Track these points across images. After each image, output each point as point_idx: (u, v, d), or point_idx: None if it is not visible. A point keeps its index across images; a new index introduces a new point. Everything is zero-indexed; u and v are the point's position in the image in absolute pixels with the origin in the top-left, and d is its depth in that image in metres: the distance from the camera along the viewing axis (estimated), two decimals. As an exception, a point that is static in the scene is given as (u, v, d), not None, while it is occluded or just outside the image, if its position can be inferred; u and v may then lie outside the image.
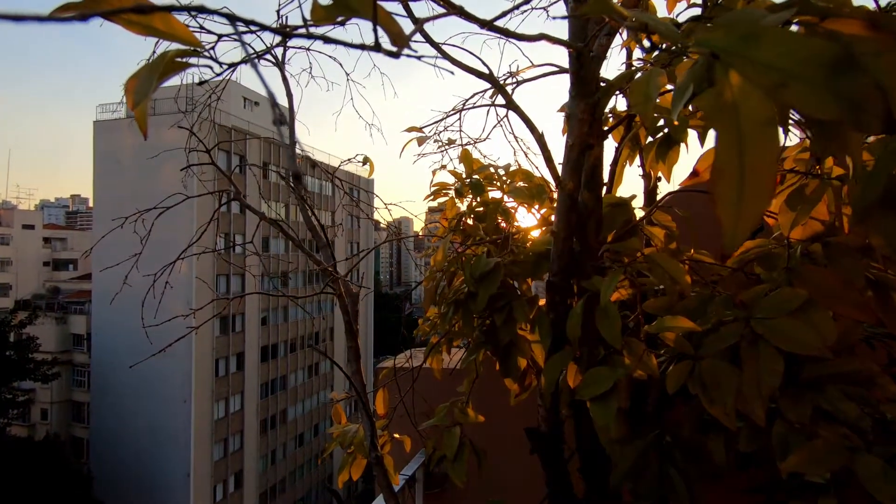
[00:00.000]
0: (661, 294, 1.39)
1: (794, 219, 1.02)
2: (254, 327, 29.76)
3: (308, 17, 0.47)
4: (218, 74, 0.50)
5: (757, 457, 1.19)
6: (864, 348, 1.32)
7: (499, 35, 0.81)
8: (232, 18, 0.31)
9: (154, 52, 1.96)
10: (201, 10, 0.31)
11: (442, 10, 0.71)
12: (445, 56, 1.30)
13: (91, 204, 32.96)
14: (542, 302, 1.59)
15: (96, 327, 28.67)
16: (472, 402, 1.75)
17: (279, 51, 1.76)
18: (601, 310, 1.10)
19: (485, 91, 2.12)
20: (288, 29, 0.36)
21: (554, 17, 1.08)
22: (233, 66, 0.52)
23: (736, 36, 0.36)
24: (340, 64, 2.09)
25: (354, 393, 1.54)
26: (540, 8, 1.62)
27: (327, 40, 0.38)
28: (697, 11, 1.69)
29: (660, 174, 1.89)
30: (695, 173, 1.15)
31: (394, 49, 0.47)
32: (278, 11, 1.16)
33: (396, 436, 1.78)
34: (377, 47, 0.45)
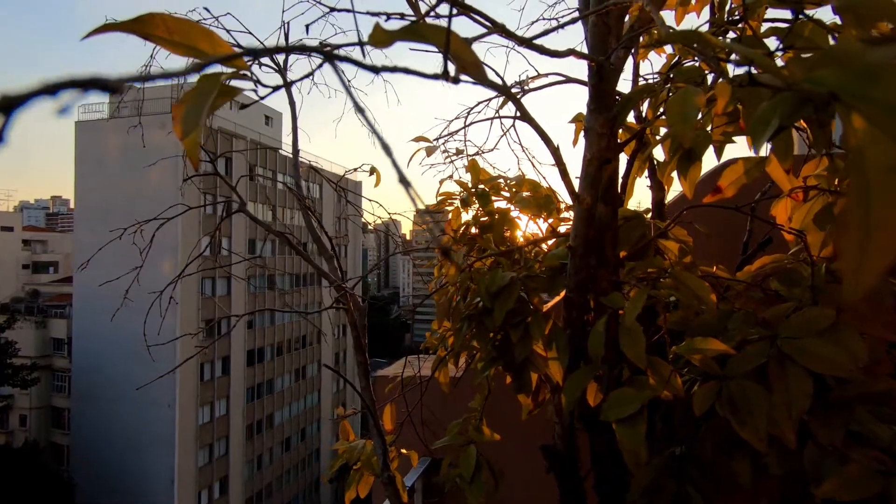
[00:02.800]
0: (673, 306, 1.38)
1: (823, 239, 1.02)
2: (240, 331, 29.41)
3: (367, 40, 0.44)
4: (262, 97, 0.46)
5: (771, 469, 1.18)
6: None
7: (528, 49, 0.78)
8: (329, 56, 0.28)
9: (152, 56, 1.91)
10: (302, 49, 0.28)
11: (483, 30, 0.69)
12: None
13: (72, 205, 32.34)
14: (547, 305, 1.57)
15: (77, 331, 28.11)
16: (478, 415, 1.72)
17: (280, 57, 1.72)
18: (625, 329, 1.08)
19: (489, 100, 2.10)
20: (374, 65, 0.33)
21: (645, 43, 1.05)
22: (276, 88, 0.49)
23: (853, 73, 0.34)
24: (342, 71, 2.05)
25: (364, 408, 1.51)
26: (552, 19, 1.60)
27: (408, 72, 0.35)
28: (699, 20, 1.69)
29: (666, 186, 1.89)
30: (717, 189, 1.13)
31: (452, 75, 0.44)
32: (307, 26, 1.12)
33: (404, 451, 1.74)
34: (445, 75, 0.43)
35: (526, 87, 1.86)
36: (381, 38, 0.44)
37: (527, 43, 0.72)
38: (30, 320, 31.13)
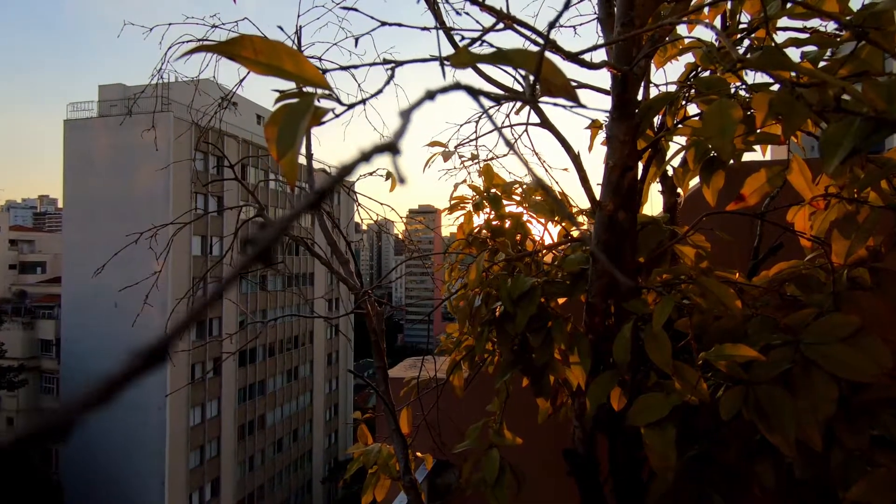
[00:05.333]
0: (688, 310, 1.40)
1: (849, 247, 1.04)
2: (232, 331, 29.20)
3: (449, 60, 0.45)
4: (337, 115, 0.47)
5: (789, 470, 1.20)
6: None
7: (571, 63, 0.80)
8: (471, 91, 0.29)
9: (165, 58, 1.90)
10: (458, 87, 0.29)
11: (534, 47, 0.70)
12: (482, 75, 1.29)
13: (60, 205, 31.95)
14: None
15: (66, 332, 27.79)
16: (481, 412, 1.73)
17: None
18: (651, 335, 1.10)
19: (500, 104, 2.12)
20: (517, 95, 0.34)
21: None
22: (351, 105, 0.50)
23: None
24: (353, 76, 2.06)
25: (383, 412, 1.51)
26: (569, 26, 1.62)
27: (509, 100, 0.36)
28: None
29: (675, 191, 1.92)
30: (740, 197, 1.16)
31: (532, 97, 0.45)
32: (356, 39, 1.12)
33: (419, 454, 1.75)
34: (533, 98, 0.44)
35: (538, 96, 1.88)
36: (465, 60, 0.45)
37: (572, 57, 0.73)
38: (17, 321, 30.71)
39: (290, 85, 0.64)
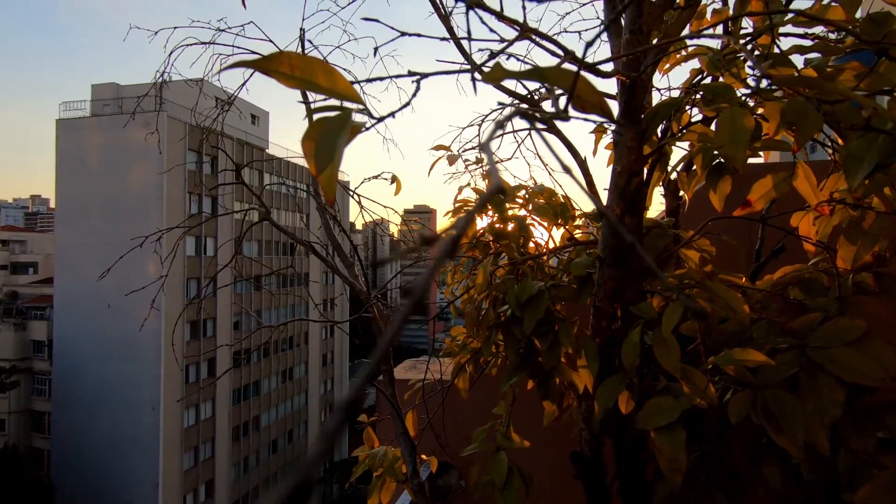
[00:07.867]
0: (692, 313, 1.41)
1: (856, 252, 1.06)
2: (226, 331, 29.10)
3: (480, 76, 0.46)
4: (367, 128, 0.47)
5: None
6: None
7: (589, 72, 0.81)
8: (524, 114, 0.30)
9: (169, 60, 1.90)
10: (526, 115, 0.30)
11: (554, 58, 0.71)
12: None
13: (53, 205, 31.70)
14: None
15: (58, 333, 27.58)
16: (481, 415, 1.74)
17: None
18: (660, 339, 1.11)
19: (503, 107, 2.13)
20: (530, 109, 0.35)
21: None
22: (381, 119, 0.51)
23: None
24: (355, 77, 2.06)
25: (390, 415, 1.52)
26: (572, 31, 1.63)
27: (555, 116, 0.37)
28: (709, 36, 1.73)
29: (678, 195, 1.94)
30: (746, 203, 1.17)
31: (563, 111, 0.46)
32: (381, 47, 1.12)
33: (424, 457, 1.76)
34: (566, 113, 0.45)
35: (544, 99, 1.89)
36: (498, 75, 0.46)
37: (589, 67, 0.74)
38: (8, 322, 30.46)
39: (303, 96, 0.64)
